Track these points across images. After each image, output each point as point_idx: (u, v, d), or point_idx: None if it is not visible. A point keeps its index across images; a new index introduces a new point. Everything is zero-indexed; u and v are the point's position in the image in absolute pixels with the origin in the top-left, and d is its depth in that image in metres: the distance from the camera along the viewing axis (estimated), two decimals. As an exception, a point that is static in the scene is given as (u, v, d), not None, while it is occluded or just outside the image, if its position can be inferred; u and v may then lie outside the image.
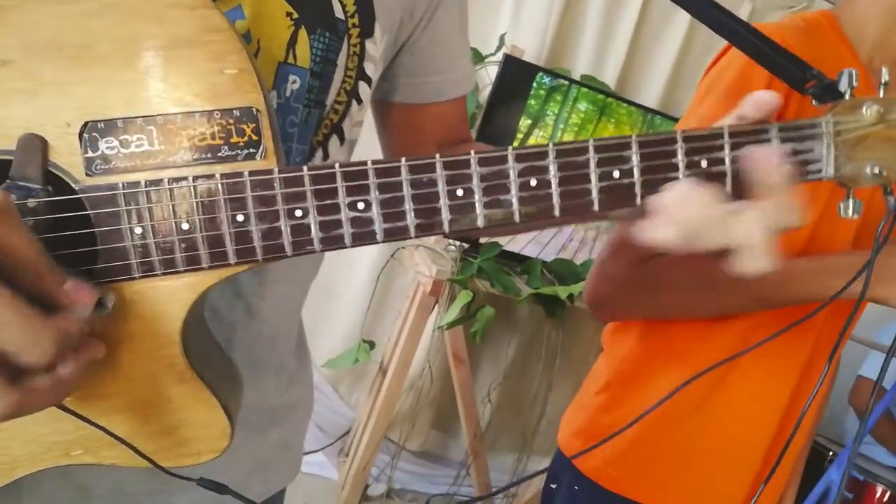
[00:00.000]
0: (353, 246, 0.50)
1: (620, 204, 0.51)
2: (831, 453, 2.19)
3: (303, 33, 0.63)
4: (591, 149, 0.51)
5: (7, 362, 0.39)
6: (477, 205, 0.51)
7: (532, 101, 2.30)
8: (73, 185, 0.47)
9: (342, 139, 0.71)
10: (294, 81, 0.63)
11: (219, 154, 0.49)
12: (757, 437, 1.00)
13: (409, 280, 2.50)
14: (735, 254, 0.49)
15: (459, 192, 0.50)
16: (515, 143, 2.20)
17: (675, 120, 2.35)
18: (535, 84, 2.29)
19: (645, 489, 1.02)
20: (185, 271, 0.49)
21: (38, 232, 0.46)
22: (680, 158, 0.51)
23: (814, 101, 0.56)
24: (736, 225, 0.48)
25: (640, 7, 2.60)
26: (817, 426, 1.23)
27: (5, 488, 0.52)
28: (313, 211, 0.49)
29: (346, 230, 0.50)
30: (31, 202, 0.45)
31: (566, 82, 2.35)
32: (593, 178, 0.51)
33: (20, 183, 0.46)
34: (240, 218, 0.49)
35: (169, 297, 0.50)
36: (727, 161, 0.51)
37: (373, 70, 0.70)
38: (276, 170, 0.49)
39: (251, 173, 0.48)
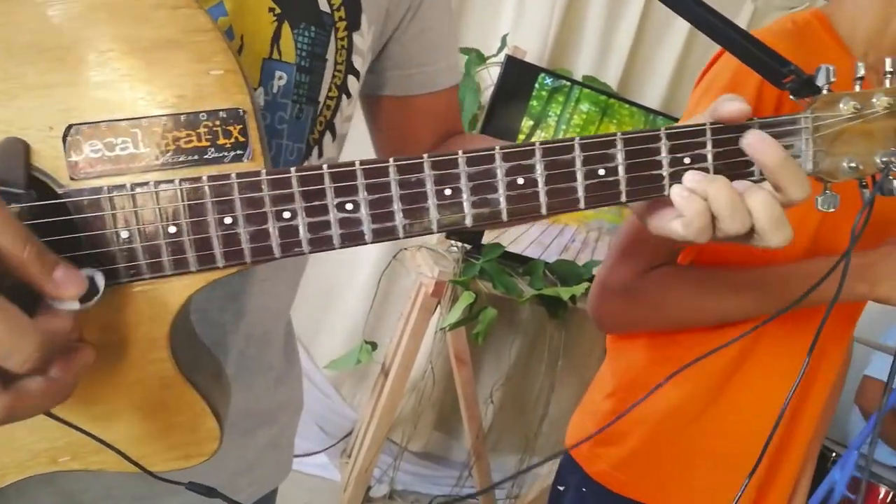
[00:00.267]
0: (342, 247, 0.50)
1: (605, 201, 0.52)
2: (834, 454, 2.18)
3: (286, 28, 0.62)
4: (576, 147, 0.51)
5: None
6: (465, 204, 0.51)
7: (534, 102, 2.30)
8: (57, 190, 0.47)
9: (334, 135, 0.70)
10: (280, 77, 0.63)
11: (205, 156, 0.48)
12: (761, 439, 1.00)
13: (412, 281, 2.50)
14: (756, 233, 0.52)
15: (447, 192, 0.50)
16: (517, 144, 2.19)
17: (678, 120, 2.33)
18: (536, 85, 2.29)
19: (651, 492, 1.02)
20: (173, 275, 0.49)
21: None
22: (664, 155, 0.52)
23: (791, 96, 0.56)
24: (752, 203, 0.51)
25: (641, 7, 2.59)
26: (826, 429, 1.23)
27: (-7, 496, 0.52)
28: (301, 212, 0.49)
29: (335, 231, 0.50)
30: (15, 207, 0.45)
31: (568, 83, 2.34)
32: (579, 175, 0.51)
33: (2, 188, 0.45)
34: (227, 220, 0.48)
35: (157, 300, 0.49)
36: (710, 158, 0.52)
37: (361, 63, 0.69)
38: (263, 171, 0.49)
39: (238, 175, 0.48)
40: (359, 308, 2.62)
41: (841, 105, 0.54)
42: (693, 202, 0.52)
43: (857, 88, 0.55)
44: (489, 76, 2.38)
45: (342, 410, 2.72)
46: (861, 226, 0.56)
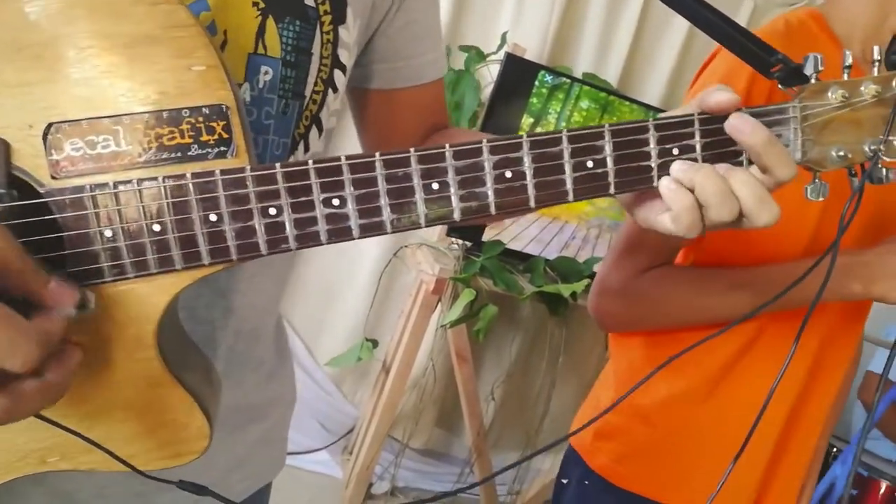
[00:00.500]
0: (328, 243, 0.50)
1: (594, 193, 0.52)
2: (835, 449, 2.18)
3: (270, 22, 0.61)
4: (564, 139, 0.50)
5: None
6: (453, 198, 0.50)
7: (534, 100, 2.29)
8: (38, 189, 0.46)
9: (320, 130, 0.70)
10: (266, 72, 0.62)
11: (189, 153, 0.48)
12: (765, 432, 1.00)
13: (412, 278, 2.50)
14: (744, 215, 0.52)
15: (435, 186, 0.50)
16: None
17: (677, 114, 2.32)
18: (536, 82, 2.28)
19: (651, 485, 1.03)
20: (158, 273, 0.48)
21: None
22: (652, 146, 0.52)
23: (780, 86, 0.56)
24: (736, 185, 0.51)
25: (641, 4, 2.59)
26: (833, 425, 1.22)
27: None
28: (287, 209, 0.49)
29: (322, 227, 0.49)
30: None
31: (568, 80, 2.33)
32: (567, 168, 0.51)
33: None
34: (212, 218, 0.48)
35: (142, 299, 0.49)
36: (698, 148, 0.51)
37: (347, 57, 0.69)
38: (248, 168, 0.48)
39: (223, 172, 0.48)
40: (359, 305, 2.62)
41: (829, 94, 0.54)
42: (681, 196, 0.51)
43: (846, 77, 0.55)
44: (489, 74, 2.38)
45: (343, 408, 2.72)
46: (850, 214, 0.56)
